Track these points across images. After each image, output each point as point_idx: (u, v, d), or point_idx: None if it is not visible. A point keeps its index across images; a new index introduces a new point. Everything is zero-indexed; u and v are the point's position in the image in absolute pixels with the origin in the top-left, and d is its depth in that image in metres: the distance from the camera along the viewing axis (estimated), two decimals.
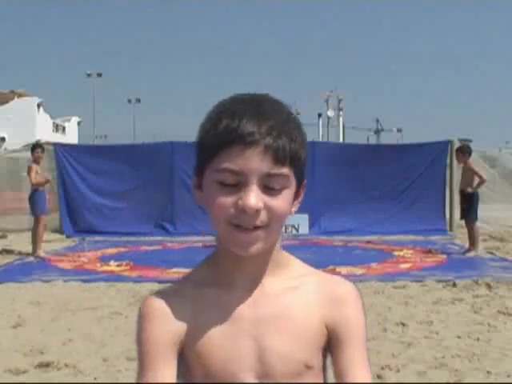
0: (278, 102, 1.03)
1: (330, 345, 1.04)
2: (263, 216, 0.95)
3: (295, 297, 1.04)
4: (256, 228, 0.96)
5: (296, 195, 1.04)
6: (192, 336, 1.03)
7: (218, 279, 1.05)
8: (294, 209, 1.05)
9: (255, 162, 0.93)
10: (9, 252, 9.29)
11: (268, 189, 0.95)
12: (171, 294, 1.06)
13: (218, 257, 1.06)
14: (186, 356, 1.04)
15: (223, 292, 1.04)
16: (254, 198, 0.93)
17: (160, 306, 1.04)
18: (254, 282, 1.04)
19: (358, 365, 1.01)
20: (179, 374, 1.02)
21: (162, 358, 1.01)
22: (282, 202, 0.97)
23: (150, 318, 1.04)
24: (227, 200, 0.95)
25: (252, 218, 0.94)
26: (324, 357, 1.04)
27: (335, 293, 1.05)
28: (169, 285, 1.11)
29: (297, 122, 1.01)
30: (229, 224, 0.96)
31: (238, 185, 0.95)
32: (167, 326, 1.03)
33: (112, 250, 9.47)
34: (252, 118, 0.95)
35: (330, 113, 52.11)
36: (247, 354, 1.00)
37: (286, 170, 0.96)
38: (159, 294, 1.07)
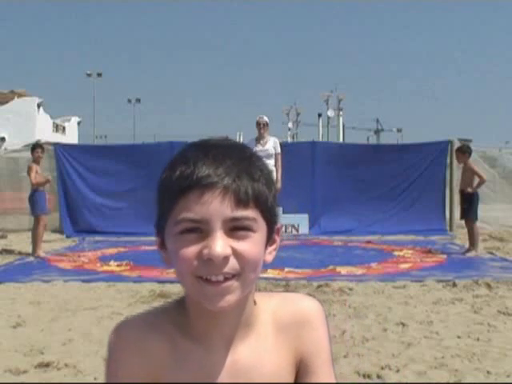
0: (237, 144, 0.97)
1: (298, 375, 1.01)
2: (233, 263, 0.88)
3: (265, 353, 0.98)
4: (227, 279, 0.88)
5: (270, 241, 0.97)
6: None
7: (192, 332, 0.98)
8: (270, 256, 0.98)
9: (215, 205, 0.86)
10: (9, 252, 9.29)
11: (234, 233, 0.88)
12: (147, 328, 0.98)
13: (189, 312, 0.98)
14: None
15: (200, 349, 0.97)
16: (219, 244, 0.86)
17: (135, 338, 0.97)
18: (229, 343, 0.97)
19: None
20: None
21: None
22: (252, 246, 0.89)
23: (122, 349, 0.98)
24: (190, 251, 0.88)
25: (220, 267, 0.87)
26: None
27: (296, 319, 1.01)
28: (139, 314, 1.03)
29: (259, 162, 0.94)
30: (196, 277, 0.89)
31: (201, 233, 0.88)
32: (141, 361, 0.97)
33: (112, 250, 9.46)
34: (207, 161, 0.89)
35: (330, 113, 52.03)
36: None
37: (250, 213, 0.89)
38: (134, 323, 1.00)
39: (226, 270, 0.88)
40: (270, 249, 0.98)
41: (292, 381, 1.01)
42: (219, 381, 0.96)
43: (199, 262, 0.88)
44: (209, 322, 0.96)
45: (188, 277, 0.89)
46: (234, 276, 0.89)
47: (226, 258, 0.87)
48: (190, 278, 0.89)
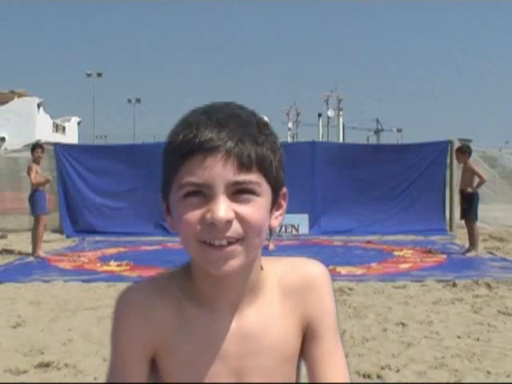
0: (240, 107, 0.95)
1: (304, 339, 1.02)
2: (237, 227, 0.87)
3: (272, 317, 0.99)
4: (231, 243, 0.88)
5: (276, 206, 0.96)
6: (171, 351, 0.98)
7: (199, 297, 0.98)
8: (276, 221, 0.97)
9: (218, 169, 0.86)
10: (9, 252, 9.29)
11: (237, 197, 0.87)
12: (153, 293, 0.99)
13: (195, 278, 0.98)
14: (159, 367, 0.99)
15: (206, 314, 0.97)
16: (223, 208, 0.85)
17: (140, 303, 0.98)
18: (236, 308, 0.97)
19: (332, 353, 1.00)
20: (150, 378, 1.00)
21: (136, 362, 0.98)
22: (255, 209, 0.88)
23: (127, 314, 0.98)
24: (194, 215, 0.87)
25: (223, 231, 0.86)
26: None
27: (303, 283, 1.01)
28: (145, 279, 1.04)
29: (263, 126, 0.93)
30: (199, 242, 0.88)
31: (204, 198, 0.87)
32: (146, 326, 0.97)
33: (112, 250, 9.47)
34: (210, 124, 0.88)
35: (330, 113, 52.03)
36: None
37: (253, 176, 0.88)
38: (139, 288, 1.01)
39: (229, 234, 0.87)
40: (276, 213, 0.97)
41: (299, 345, 1.01)
42: (225, 345, 0.96)
43: (202, 226, 0.87)
44: (214, 286, 0.95)
45: (192, 242, 0.89)
46: (238, 240, 0.88)
47: (228, 222, 0.86)
48: (194, 242, 0.89)
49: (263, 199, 0.90)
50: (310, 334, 1.01)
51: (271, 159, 0.91)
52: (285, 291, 1.01)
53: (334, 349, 1.01)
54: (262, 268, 1.00)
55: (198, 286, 0.97)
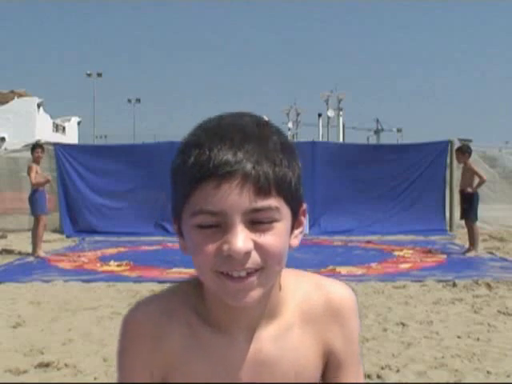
0: (253, 120, 0.87)
1: (325, 366, 0.97)
2: (256, 258, 0.82)
3: (290, 343, 0.93)
4: (250, 274, 0.82)
5: (296, 224, 0.90)
6: (182, 376, 0.93)
7: (212, 321, 0.92)
8: (296, 240, 0.91)
9: (233, 197, 0.79)
10: (9, 252, 9.29)
11: (256, 225, 0.81)
12: (163, 315, 0.93)
13: (209, 302, 0.92)
14: None
15: (220, 339, 0.92)
16: (241, 239, 0.79)
17: (148, 328, 0.92)
18: (252, 332, 0.92)
19: (354, 381, 0.98)
20: None
21: None
22: (276, 237, 0.83)
23: (134, 340, 0.93)
24: (210, 246, 0.81)
25: (242, 263, 0.81)
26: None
27: (328, 310, 0.95)
28: (154, 297, 0.98)
29: (281, 141, 0.86)
30: (216, 273, 0.83)
31: (220, 226, 0.81)
32: (155, 353, 0.92)
33: (112, 250, 9.47)
34: (224, 145, 0.81)
35: (330, 113, 51.97)
36: None
37: (272, 202, 0.82)
38: (148, 310, 0.95)
39: (249, 265, 0.81)
40: (295, 232, 0.91)
41: (319, 372, 0.97)
42: (240, 371, 0.92)
43: (219, 257, 0.81)
44: (230, 312, 0.90)
45: (208, 272, 0.83)
46: (257, 270, 0.82)
47: (247, 254, 0.81)
48: (210, 273, 0.83)
49: (283, 224, 0.84)
50: (332, 362, 0.97)
51: (290, 177, 0.85)
52: (306, 317, 0.95)
53: (357, 377, 0.99)
54: (280, 287, 0.94)
55: (213, 310, 0.92)
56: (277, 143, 0.85)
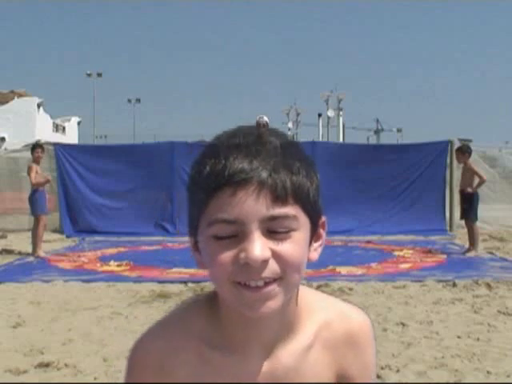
0: (274, 131, 0.87)
1: None
2: (274, 266, 0.80)
3: (307, 363, 0.92)
4: (268, 283, 0.80)
5: (315, 236, 0.89)
6: None
7: (225, 341, 0.90)
8: (315, 253, 0.90)
9: (250, 203, 0.78)
10: (9, 252, 9.29)
11: (273, 234, 0.80)
12: (170, 342, 0.91)
13: (223, 317, 0.90)
14: None
15: (233, 360, 0.90)
16: (258, 247, 0.78)
17: (158, 356, 0.90)
18: (268, 349, 0.90)
19: None
20: None
21: None
22: (294, 246, 0.81)
23: (144, 368, 0.91)
24: (227, 255, 0.80)
25: (259, 271, 0.79)
26: None
27: (347, 339, 0.95)
28: (159, 329, 0.94)
29: (299, 153, 0.86)
30: (233, 283, 0.81)
31: (237, 236, 0.80)
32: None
33: (112, 250, 9.46)
34: (240, 154, 0.80)
35: (330, 113, 51.99)
36: None
37: (290, 209, 0.81)
38: (155, 337, 0.92)
39: (266, 274, 0.80)
40: (315, 245, 0.90)
41: None
42: None
43: (236, 266, 0.80)
44: (248, 329, 0.88)
45: (225, 283, 0.82)
46: (276, 280, 0.81)
47: (264, 262, 0.79)
48: (227, 284, 0.81)
49: (302, 233, 0.83)
50: None
51: (308, 187, 0.83)
52: (326, 344, 0.94)
53: None
54: (297, 303, 0.92)
55: (227, 328, 0.90)
56: (294, 153, 0.84)
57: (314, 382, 0.92)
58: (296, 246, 0.81)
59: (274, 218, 0.79)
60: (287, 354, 0.91)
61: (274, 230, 0.80)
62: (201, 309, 0.93)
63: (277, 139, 0.85)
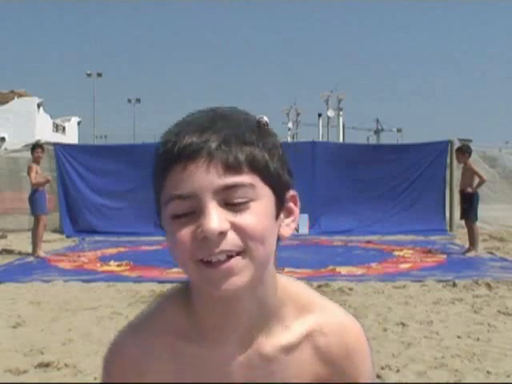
0: (234, 108, 0.85)
1: None
2: (234, 239, 0.76)
3: (292, 360, 0.88)
4: (230, 257, 0.77)
5: (286, 212, 0.85)
6: None
7: (201, 332, 0.87)
8: (288, 229, 0.85)
9: (201, 175, 0.76)
10: (9, 252, 9.29)
11: (231, 206, 0.77)
12: (145, 342, 0.89)
13: (196, 304, 0.87)
14: None
15: (208, 350, 0.87)
16: (214, 218, 0.75)
17: (134, 358, 0.89)
18: (245, 337, 0.86)
19: None
20: None
21: None
22: (254, 217, 0.77)
23: (119, 371, 0.91)
24: (185, 233, 0.77)
25: (218, 244, 0.76)
26: None
27: (344, 351, 0.90)
28: (131, 328, 0.92)
29: (259, 126, 0.83)
30: (196, 262, 0.78)
31: (194, 212, 0.77)
32: None
33: (112, 250, 9.47)
34: (191, 129, 0.78)
35: (330, 113, 51.94)
36: None
37: (245, 178, 0.77)
38: (127, 344, 0.91)
39: (226, 247, 0.76)
40: (286, 221, 0.85)
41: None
42: (237, 377, 0.87)
43: (195, 243, 0.77)
44: (221, 314, 0.85)
45: (188, 263, 0.79)
46: (239, 254, 0.77)
47: (222, 234, 0.76)
48: (190, 263, 0.78)
49: (262, 203, 0.79)
50: None
51: (266, 159, 0.80)
52: (318, 351, 0.90)
53: None
54: (276, 290, 0.88)
55: (201, 316, 0.87)
56: (251, 126, 0.82)
57: (295, 378, 0.89)
58: (256, 216, 0.78)
59: (228, 187, 0.76)
60: (269, 346, 0.87)
61: (231, 201, 0.77)
62: (176, 301, 0.91)
63: (233, 112, 0.83)
